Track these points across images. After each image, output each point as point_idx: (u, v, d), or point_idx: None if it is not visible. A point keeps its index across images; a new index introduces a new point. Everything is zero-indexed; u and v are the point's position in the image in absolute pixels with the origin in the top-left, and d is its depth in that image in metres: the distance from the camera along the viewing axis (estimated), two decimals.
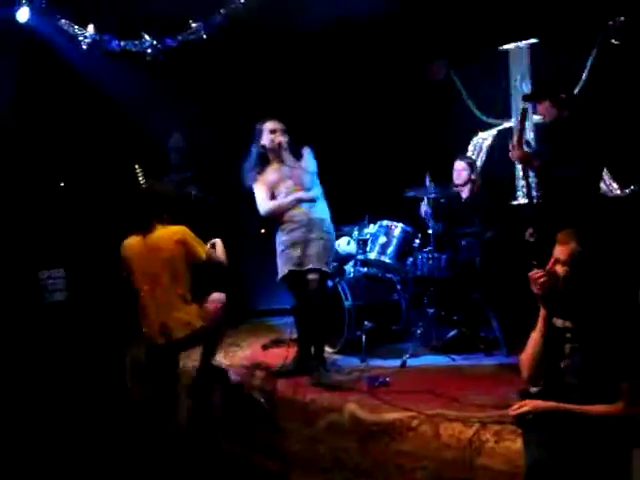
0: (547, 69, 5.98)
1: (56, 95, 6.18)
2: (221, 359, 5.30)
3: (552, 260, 2.76)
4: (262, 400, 4.39)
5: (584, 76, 5.72)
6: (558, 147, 4.20)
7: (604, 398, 2.58)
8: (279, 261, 4.60)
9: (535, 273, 2.74)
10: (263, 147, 4.57)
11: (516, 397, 2.86)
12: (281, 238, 4.59)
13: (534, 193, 4.44)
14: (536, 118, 5.79)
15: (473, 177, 5.69)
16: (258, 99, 6.69)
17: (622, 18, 5.38)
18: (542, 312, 2.76)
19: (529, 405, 2.68)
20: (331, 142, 6.66)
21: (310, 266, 4.45)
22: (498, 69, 6.32)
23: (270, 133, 4.54)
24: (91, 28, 5.60)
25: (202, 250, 4.23)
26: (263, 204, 4.59)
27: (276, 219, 4.62)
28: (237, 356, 5.46)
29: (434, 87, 6.64)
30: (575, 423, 2.56)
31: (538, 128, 5.88)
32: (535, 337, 2.79)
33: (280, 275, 4.58)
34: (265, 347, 5.67)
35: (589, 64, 5.71)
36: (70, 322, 6.11)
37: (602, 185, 5.25)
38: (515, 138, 4.26)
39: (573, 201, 4.02)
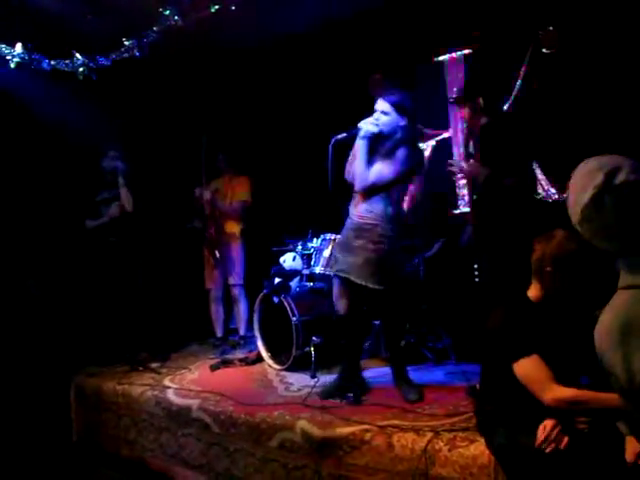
0: (481, 79, 6.08)
1: None
2: (169, 382, 5.20)
3: None
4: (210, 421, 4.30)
5: (517, 85, 5.82)
6: (485, 153, 4.25)
7: None
8: None
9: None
10: None
11: (466, 395, 2.83)
12: None
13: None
14: None
15: (411, 189, 5.73)
16: (193, 116, 6.67)
17: (551, 28, 5.50)
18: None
19: (549, 424, 2.61)
20: (271, 158, 6.66)
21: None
22: (434, 80, 6.39)
23: None
24: (19, 47, 5.44)
25: None
26: None
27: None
28: (186, 379, 5.35)
29: (373, 101, 6.67)
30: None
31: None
32: None
33: None
34: (213, 368, 5.57)
35: (522, 73, 5.82)
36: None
37: (540, 190, 5.36)
38: (462, 152, 4.26)
39: (512, 209, 4.07)
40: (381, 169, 4.14)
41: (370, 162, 4.18)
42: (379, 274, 4.12)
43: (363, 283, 4.13)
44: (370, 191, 4.18)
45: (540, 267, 2.74)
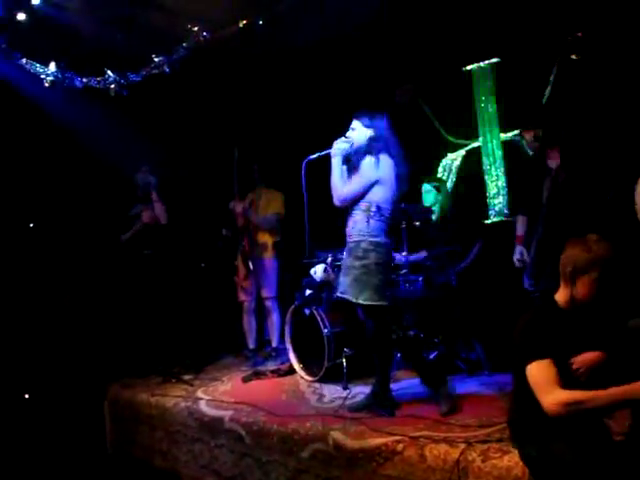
0: (511, 87, 6.06)
1: (21, 134, 6.14)
2: (202, 394, 5.24)
3: None
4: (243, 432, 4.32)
5: (547, 92, 5.79)
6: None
7: None
8: None
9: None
10: None
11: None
12: None
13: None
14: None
15: (440, 199, 5.72)
16: (225, 128, 6.74)
17: (580, 33, 5.46)
18: None
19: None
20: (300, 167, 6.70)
21: None
22: (463, 90, 6.38)
23: None
24: (52, 66, 5.56)
25: None
26: None
27: None
28: (218, 390, 5.38)
29: (401, 111, 6.68)
30: None
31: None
32: None
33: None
34: (246, 379, 5.59)
35: (551, 80, 5.78)
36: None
37: None
38: None
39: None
40: (351, 182, 4.24)
41: (348, 178, 4.28)
42: (368, 290, 4.12)
43: (354, 300, 4.16)
44: (349, 206, 4.26)
45: (571, 272, 2.70)
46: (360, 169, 4.22)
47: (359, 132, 4.30)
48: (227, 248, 6.37)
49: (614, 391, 2.46)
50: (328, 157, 4.31)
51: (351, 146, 4.27)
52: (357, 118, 4.35)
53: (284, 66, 6.37)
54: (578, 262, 2.68)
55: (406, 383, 4.91)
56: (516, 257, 4.87)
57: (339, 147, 4.26)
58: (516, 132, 5.97)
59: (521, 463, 2.96)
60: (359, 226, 4.20)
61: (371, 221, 4.16)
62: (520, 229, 4.95)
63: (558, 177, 4.57)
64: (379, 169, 4.18)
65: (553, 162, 4.63)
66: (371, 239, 4.16)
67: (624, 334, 2.69)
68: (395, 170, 4.26)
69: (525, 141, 5.02)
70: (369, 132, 4.28)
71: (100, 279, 6.46)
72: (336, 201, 4.27)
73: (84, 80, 5.74)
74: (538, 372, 2.61)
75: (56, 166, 6.39)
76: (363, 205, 4.20)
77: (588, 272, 2.65)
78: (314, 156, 4.38)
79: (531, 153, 5.04)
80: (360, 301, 4.13)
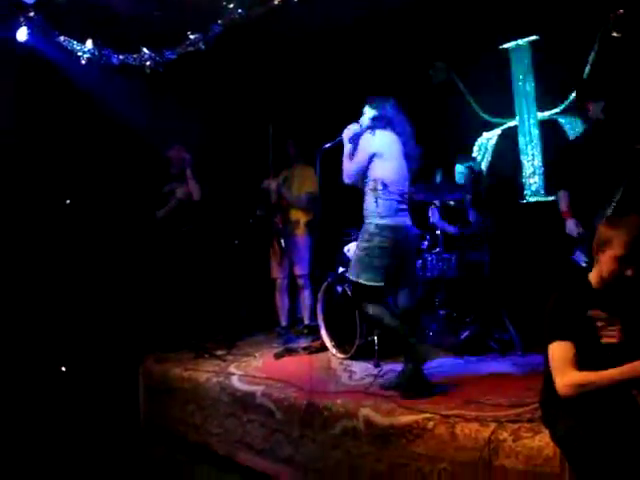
0: (549, 66, 5.96)
1: (57, 111, 6.22)
2: (234, 369, 5.29)
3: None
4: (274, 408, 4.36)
5: (587, 70, 5.68)
6: None
7: None
8: None
9: None
10: None
11: None
12: None
13: None
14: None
15: (473, 178, 5.67)
16: (259, 106, 6.74)
17: (622, 10, 5.34)
18: None
19: None
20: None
21: None
22: (500, 68, 6.29)
23: None
24: (89, 43, 5.60)
25: None
26: None
27: None
28: (250, 366, 5.43)
29: (437, 89, 6.62)
30: None
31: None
32: None
33: None
34: (277, 356, 5.64)
35: (591, 58, 5.67)
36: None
37: None
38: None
39: None
40: (353, 159, 4.31)
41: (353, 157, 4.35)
42: (368, 270, 4.18)
43: (354, 279, 4.23)
44: (361, 187, 4.32)
45: (596, 248, 2.66)
46: (359, 145, 4.28)
47: (366, 114, 4.40)
48: (260, 226, 6.40)
49: (626, 368, 2.44)
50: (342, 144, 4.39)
51: (360, 128, 4.35)
52: (367, 103, 4.44)
53: (319, 43, 6.34)
54: (602, 236, 2.65)
55: (437, 362, 4.90)
56: (573, 231, 4.75)
57: (347, 132, 4.36)
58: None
59: (552, 443, 2.95)
60: (369, 207, 4.25)
61: (379, 201, 4.17)
62: (564, 204, 4.87)
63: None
64: (375, 142, 4.23)
65: None
66: (378, 221, 4.19)
67: None
68: (402, 148, 4.31)
69: (588, 112, 4.86)
70: (373, 112, 4.36)
71: (136, 255, 6.54)
72: (345, 179, 4.35)
73: (120, 57, 5.78)
74: (557, 353, 2.60)
75: (93, 144, 6.45)
76: (371, 184, 4.22)
77: (610, 247, 2.60)
78: (328, 145, 4.48)
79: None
80: (361, 281, 4.19)
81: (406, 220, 4.29)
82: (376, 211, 4.19)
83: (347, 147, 4.34)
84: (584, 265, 4.56)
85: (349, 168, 4.30)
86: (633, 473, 2.40)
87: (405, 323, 4.27)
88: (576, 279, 2.80)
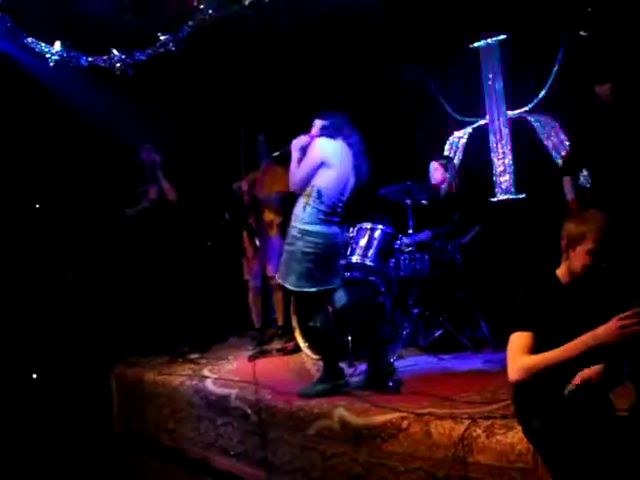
0: (518, 65, 6.01)
1: (26, 114, 6.14)
2: (208, 372, 5.26)
3: None
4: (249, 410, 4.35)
5: (555, 69, 5.75)
6: None
7: None
8: None
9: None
10: None
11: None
12: None
13: None
14: None
15: (447, 177, 5.70)
16: (229, 107, 6.71)
17: (589, 9, 5.40)
18: None
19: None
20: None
21: None
22: (470, 67, 6.33)
23: None
24: (58, 45, 5.54)
25: None
26: None
27: None
28: (224, 369, 5.40)
29: (408, 88, 6.64)
30: None
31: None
32: None
33: None
34: (251, 358, 5.61)
35: (559, 57, 5.73)
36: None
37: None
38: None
39: None
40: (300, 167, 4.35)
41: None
42: (292, 275, 4.25)
43: (280, 281, 4.34)
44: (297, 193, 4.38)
45: (565, 244, 2.68)
46: (308, 151, 4.31)
47: (316, 125, 4.44)
48: (230, 229, 6.37)
49: (570, 345, 2.43)
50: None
51: (308, 140, 4.39)
52: (317, 117, 4.48)
53: (289, 43, 6.32)
54: (571, 233, 2.66)
55: (411, 360, 4.93)
56: None
57: (297, 141, 4.40)
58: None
59: (525, 439, 2.97)
60: (296, 211, 4.31)
61: (307, 207, 4.23)
62: (570, 192, 4.88)
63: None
64: (325, 149, 4.25)
65: None
66: (301, 226, 4.23)
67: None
68: (352, 160, 4.34)
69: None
70: (323, 122, 4.39)
71: (109, 258, 6.48)
72: (291, 186, 4.40)
73: (89, 59, 5.72)
74: (513, 342, 2.60)
75: (63, 146, 6.38)
76: (307, 189, 4.26)
77: (580, 243, 2.61)
78: (277, 153, 4.62)
79: None
80: (286, 285, 4.29)
81: (331, 229, 4.31)
82: (301, 216, 4.24)
83: (294, 157, 4.36)
84: None
85: (297, 174, 4.32)
86: (604, 468, 2.43)
87: (339, 323, 4.37)
88: (544, 276, 2.82)
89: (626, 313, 2.28)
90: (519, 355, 2.56)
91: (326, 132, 4.32)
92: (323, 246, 4.24)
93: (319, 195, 4.21)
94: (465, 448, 3.24)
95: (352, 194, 4.44)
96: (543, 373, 2.48)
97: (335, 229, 4.34)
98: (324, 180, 4.23)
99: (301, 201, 4.29)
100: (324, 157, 4.23)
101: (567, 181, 4.89)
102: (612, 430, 2.53)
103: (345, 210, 4.45)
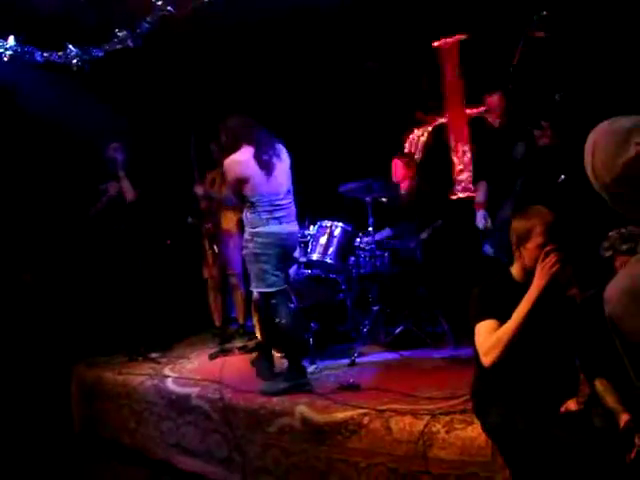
0: (477, 64, 6.08)
1: None
2: (168, 372, 5.23)
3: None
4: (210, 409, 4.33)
5: (511, 69, 5.82)
6: None
7: None
8: None
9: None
10: None
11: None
12: None
13: None
14: None
15: (410, 174, 5.76)
16: (189, 104, 6.65)
17: (545, 12, 5.49)
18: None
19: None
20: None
21: None
22: (430, 65, 6.39)
23: None
24: (11, 40, 5.42)
25: None
26: None
27: None
28: (185, 368, 5.37)
29: (369, 86, 6.67)
30: None
31: None
32: None
33: None
34: (212, 357, 5.59)
35: (516, 57, 5.80)
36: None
37: None
38: None
39: None
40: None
41: None
42: (251, 276, 4.46)
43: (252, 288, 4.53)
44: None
45: (515, 242, 2.74)
46: (225, 172, 4.52)
47: (213, 151, 4.94)
48: (192, 229, 6.34)
49: (523, 301, 2.58)
50: None
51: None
52: (212, 142, 4.90)
53: (248, 41, 6.29)
54: (519, 231, 2.73)
55: (372, 357, 4.96)
56: (481, 222, 4.92)
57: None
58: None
59: (484, 434, 3.02)
60: (244, 217, 4.50)
61: (249, 214, 4.40)
62: (482, 195, 5.05)
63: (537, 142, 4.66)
64: (232, 171, 4.38)
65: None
66: (250, 229, 4.40)
67: (577, 306, 2.73)
68: (266, 155, 4.38)
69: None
70: (224, 137, 4.53)
71: (68, 255, 6.38)
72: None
73: (45, 54, 5.60)
74: (480, 330, 2.68)
75: (17, 143, 6.25)
76: (245, 199, 4.40)
77: (529, 239, 2.68)
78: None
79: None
80: (251, 288, 4.51)
81: (280, 227, 4.38)
82: (247, 222, 4.41)
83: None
84: (490, 255, 4.75)
85: (229, 197, 4.87)
86: (561, 461, 2.48)
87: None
88: (498, 274, 2.88)
89: (541, 256, 2.57)
90: (487, 338, 2.62)
91: (228, 150, 4.46)
92: (273, 246, 4.32)
93: (252, 204, 4.35)
94: (426, 443, 3.29)
95: (291, 180, 4.55)
96: (511, 344, 2.56)
97: (285, 226, 4.41)
98: (250, 190, 4.34)
99: (245, 209, 4.45)
100: (236, 177, 4.35)
101: (483, 186, 5.11)
102: (567, 423, 2.58)
103: (293, 199, 4.53)
